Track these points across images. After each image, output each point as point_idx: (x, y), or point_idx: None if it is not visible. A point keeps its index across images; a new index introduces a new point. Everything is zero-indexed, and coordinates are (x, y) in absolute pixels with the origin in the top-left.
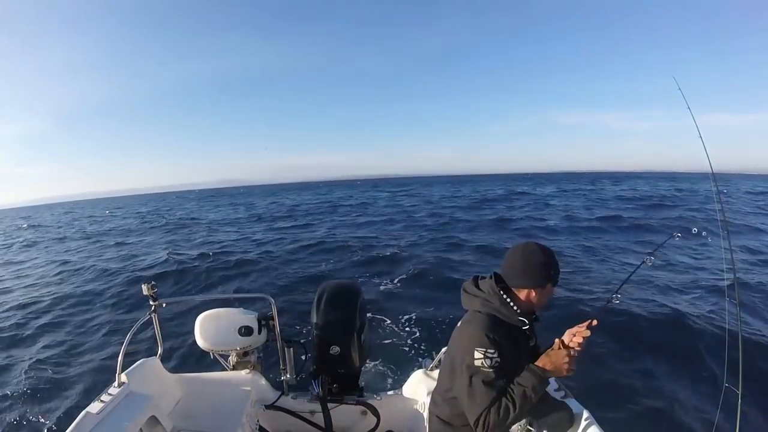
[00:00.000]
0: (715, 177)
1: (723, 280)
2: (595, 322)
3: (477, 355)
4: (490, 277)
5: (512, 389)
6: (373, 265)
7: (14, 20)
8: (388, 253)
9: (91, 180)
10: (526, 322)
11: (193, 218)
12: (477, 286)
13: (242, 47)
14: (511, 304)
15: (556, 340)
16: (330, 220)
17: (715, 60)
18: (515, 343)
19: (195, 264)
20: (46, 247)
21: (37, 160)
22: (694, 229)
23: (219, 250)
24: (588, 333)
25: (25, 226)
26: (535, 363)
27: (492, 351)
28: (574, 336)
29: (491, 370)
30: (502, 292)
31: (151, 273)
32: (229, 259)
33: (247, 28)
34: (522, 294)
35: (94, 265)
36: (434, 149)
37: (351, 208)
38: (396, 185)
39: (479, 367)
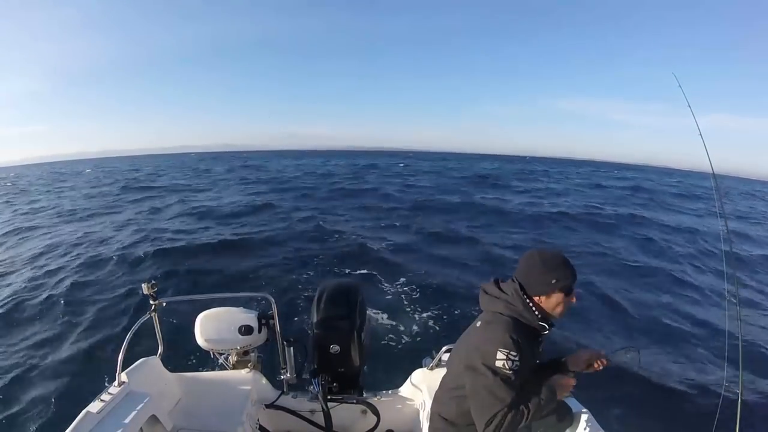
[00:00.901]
0: (716, 176)
1: (723, 278)
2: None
3: (500, 356)
4: (512, 281)
5: (529, 397)
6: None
7: None
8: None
9: (83, 141)
10: (546, 327)
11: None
12: (499, 287)
13: (243, 11)
14: (533, 308)
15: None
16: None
17: (720, 60)
18: (532, 348)
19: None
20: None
21: (30, 121)
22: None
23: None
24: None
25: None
26: (550, 382)
27: (515, 354)
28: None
29: (511, 372)
30: (525, 296)
31: (115, 249)
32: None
33: None
34: (543, 301)
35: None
36: (431, 127)
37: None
38: (393, 158)
39: (500, 368)
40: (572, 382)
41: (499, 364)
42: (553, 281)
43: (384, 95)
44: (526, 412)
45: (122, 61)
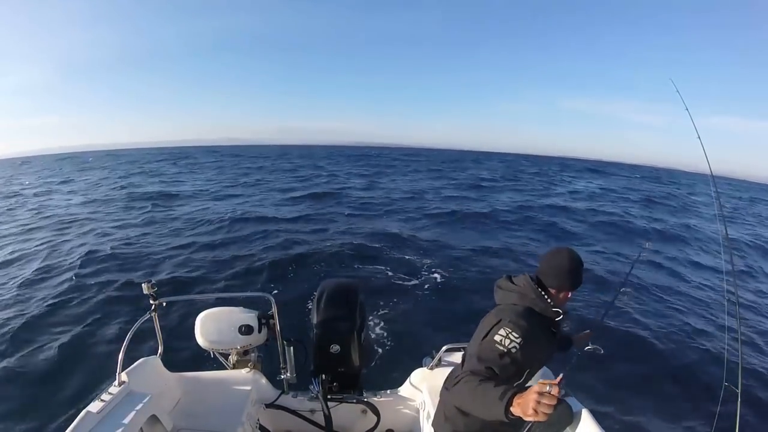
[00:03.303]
0: (714, 178)
1: (722, 278)
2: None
3: (501, 332)
4: (524, 274)
5: (490, 384)
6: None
7: None
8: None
9: (88, 133)
10: (560, 312)
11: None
12: (512, 282)
13: (246, 5)
14: (546, 297)
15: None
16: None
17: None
18: (547, 335)
19: None
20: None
21: (36, 113)
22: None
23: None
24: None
25: None
26: (518, 390)
27: (516, 335)
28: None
29: (504, 349)
30: (537, 287)
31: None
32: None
33: None
34: (556, 293)
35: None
36: (438, 124)
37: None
38: (401, 154)
39: (496, 342)
40: (533, 395)
41: (497, 338)
42: (571, 280)
43: (383, 93)
44: (473, 391)
45: (116, 58)
